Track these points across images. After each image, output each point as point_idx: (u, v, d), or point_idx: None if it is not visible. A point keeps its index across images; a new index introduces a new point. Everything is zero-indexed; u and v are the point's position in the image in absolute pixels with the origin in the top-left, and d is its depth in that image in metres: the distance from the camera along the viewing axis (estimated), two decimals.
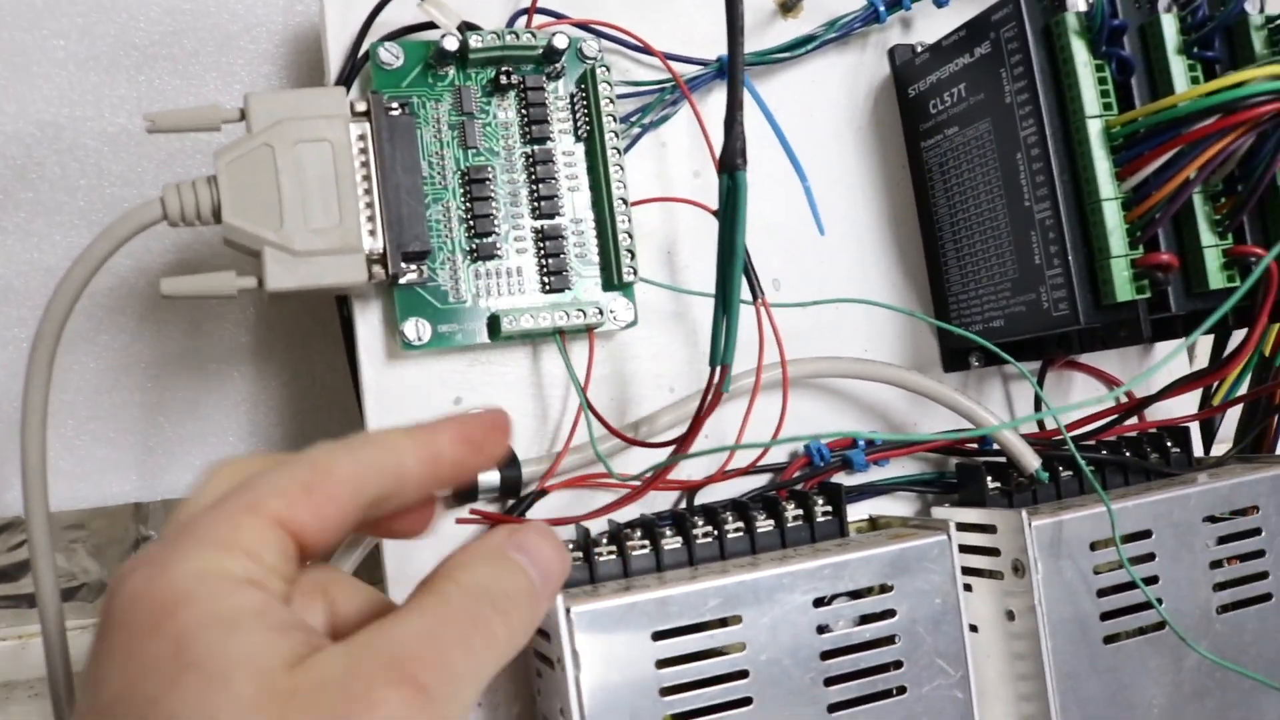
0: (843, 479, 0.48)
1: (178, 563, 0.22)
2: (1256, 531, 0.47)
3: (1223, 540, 0.47)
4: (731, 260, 0.37)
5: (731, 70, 0.37)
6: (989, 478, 0.47)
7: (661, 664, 0.38)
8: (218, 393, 0.52)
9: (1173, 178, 0.42)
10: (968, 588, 0.46)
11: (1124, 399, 0.52)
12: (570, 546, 0.41)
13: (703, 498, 0.46)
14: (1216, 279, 0.44)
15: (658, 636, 0.38)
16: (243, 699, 0.21)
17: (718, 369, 0.38)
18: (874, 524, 0.48)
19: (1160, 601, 0.45)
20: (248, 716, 0.21)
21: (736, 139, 0.37)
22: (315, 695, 0.21)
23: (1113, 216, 0.42)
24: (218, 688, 0.21)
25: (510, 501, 0.43)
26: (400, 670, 0.22)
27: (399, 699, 0.22)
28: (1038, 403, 0.52)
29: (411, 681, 0.22)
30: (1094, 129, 0.43)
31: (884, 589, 0.41)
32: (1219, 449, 0.56)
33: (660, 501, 0.46)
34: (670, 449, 0.42)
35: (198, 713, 0.20)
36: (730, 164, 0.37)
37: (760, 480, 0.47)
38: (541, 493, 0.43)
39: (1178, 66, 0.43)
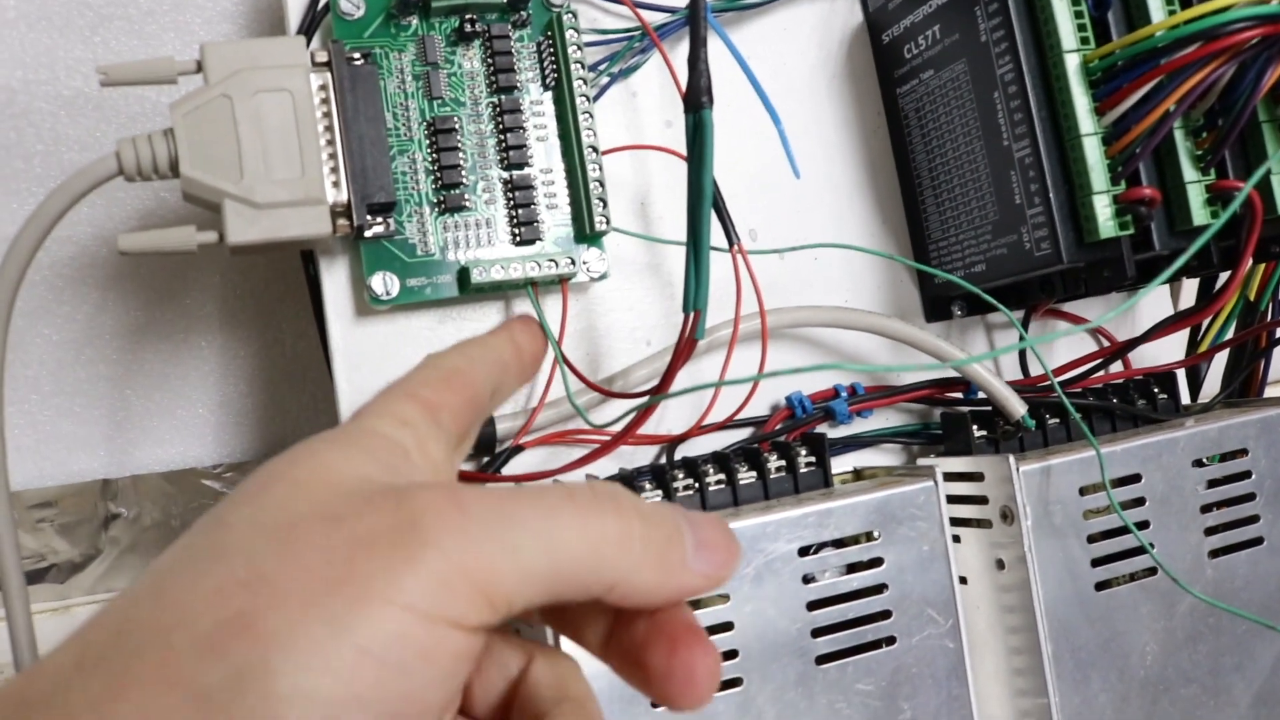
0: (826, 430, 0.47)
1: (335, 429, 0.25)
2: (1246, 475, 0.47)
3: (1213, 484, 0.46)
4: (700, 201, 0.36)
5: (693, 6, 0.36)
6: (975, 426, 0.46)
7: None
8: (186, 364, 0.51)
9: (1153, 110, 0.41)
10: (956, 539, 0.45)
11: (1104, 341, 0.51)
12: None
13: (683, 453, 0.45)
14: (1200, 215, 0.43)
15: None
16: (307, 479, 0.23)
17: (690, 315, 0.37)
18: (859, 476, 0.47)
19: (1152, 546, 0.44)
20: (301, 492, 0.22)
21: (700, 76, 0.36)
22: (368, 492, 0.22)
23: (1093, 152, 0.42)
24: (296, 471, 0.23)
25: (485, 459, 0.42)
26: (451, 490, 0.22)
27: (429, 500, 0.21)
28: (1023, 357, 0.51)
29: (453, 500, 0.22)
30: (1071, 64, 0.42)
31: (870, 537, 0.41)
32: (1207, 398, 0.55)
33: (641, 457, 0.45)
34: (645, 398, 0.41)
35: (278, 493, 0.22)
36: (695, 102, 0.36)
37: (742, 434, 0.46)
38: (517, 449, 0.42)
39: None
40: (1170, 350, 0.55)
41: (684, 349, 0.38)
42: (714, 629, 0.38)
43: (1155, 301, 0.55)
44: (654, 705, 0.37)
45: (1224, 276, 0.50)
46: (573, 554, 0.22)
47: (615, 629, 0.25)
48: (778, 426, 0.45)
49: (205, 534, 0.22)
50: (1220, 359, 0.56)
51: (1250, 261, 0.45)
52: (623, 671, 0.25)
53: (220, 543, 0.21)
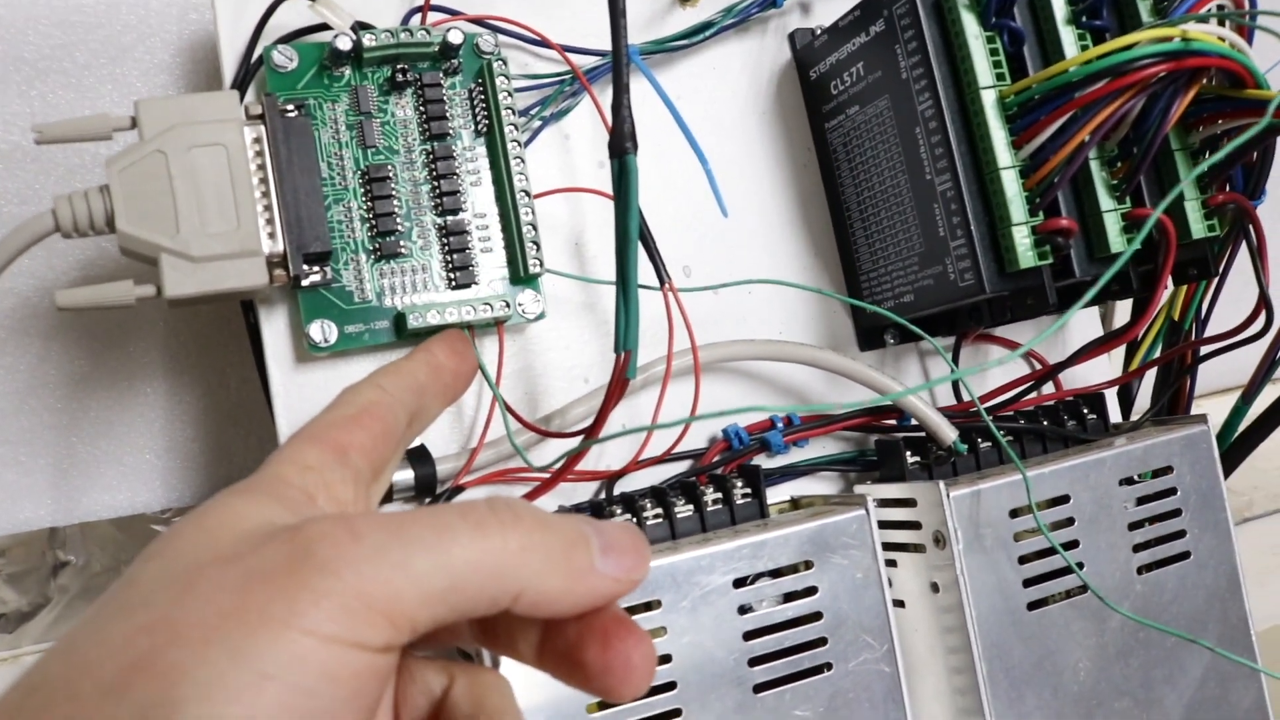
0: (763, 461, 0.48)
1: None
2: (1172, 491, 0.48)
3: (1141, 501, 0.47)
4: (626, 244, 0.37)
5: (615, 54, 0.37)
6: (908, 453, 0.47)
7: None
8: (131, 410, 0.51)
9: (1068, 142, 0.42)
10: (892, 563, 0.46)
11: (1037, 364, 0.52)
12: None
13: (623, 488, 0.45)
14: (1118, 243, 0.44)
15: None
16: (213, 528, 0.24)
17: (621, 356, 0.38)
18: (796, 505, 0.48)
19: (1081, 565, 0.45)
20: (206, 541, 0.23)
21: (623, 122, 0.37)
22: (266, 535, 0.23)
23: (1011, 185, 0.43)
24: (203, 522, 0.24)
25: (427, 500, 0.42)
26: (345, 518, 0.23)
27: (323, 529, 0.22)
28: (956, 386, 0.52)
29: (345, 526, 0.22)
30: (988, 99, 0.43)
31: (806, 566, 0.42)
32: (1139, 415, 0.56)
33: (581, 494, 0.45)
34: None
35: (184, 544, 0.23)
36: (619, 148, 0.37)
37: (679, 468, 0.47)
38: (458, 489, 0.43)
39: (1068, 36, 0.44)
40: (1102, 372, 0.56)
41: (616, 389, 0.39)
42: None
43: (1086, 324, 0.57)
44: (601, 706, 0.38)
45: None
46: (471, 568, 0.23)
47: (547, 637, 0.26)
48: (715, 459, 0.46)
49: (115, 593, 0.23)
50: (1151, 378, 0.57)
51: (1169, 284, 0.47)
52: (561, 675, 0.26)
53: (127, 598, 0.22)
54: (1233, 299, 0.50)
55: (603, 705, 0.38)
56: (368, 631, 0.21)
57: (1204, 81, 0.43)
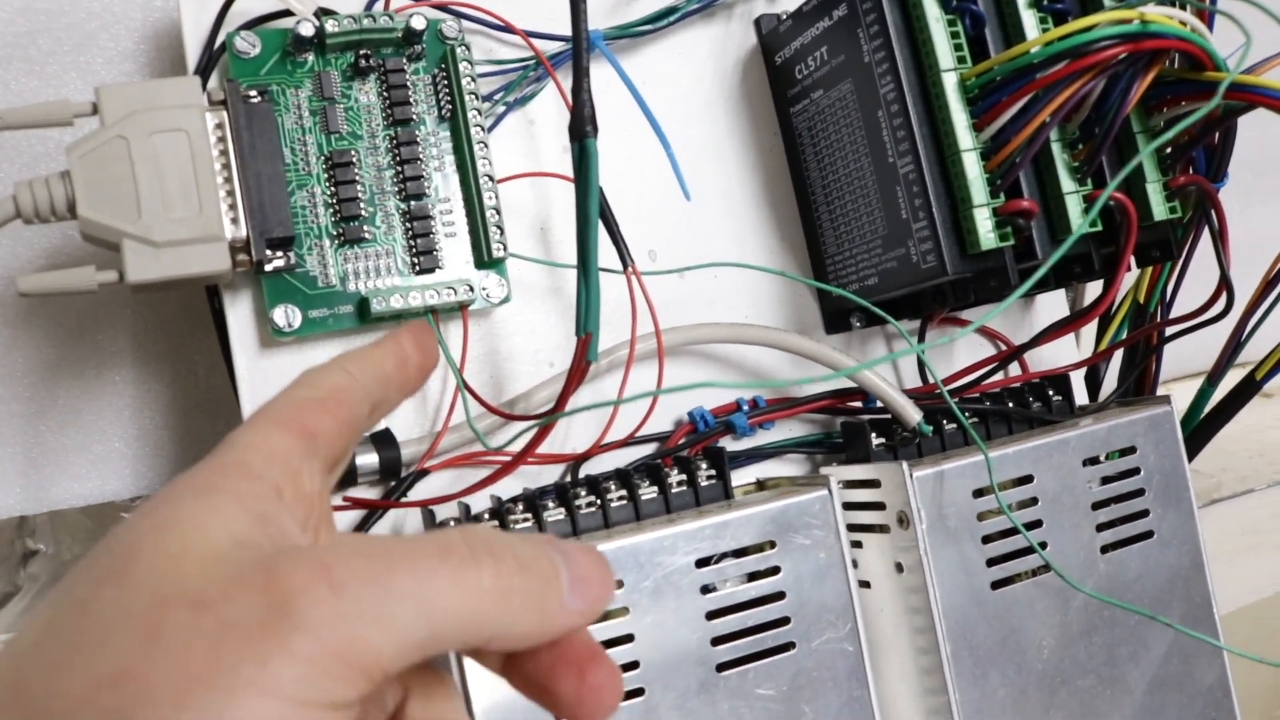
0: (729, 444, 0.48)
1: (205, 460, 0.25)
2: (1136, 471, 0.48)
3: (1105, 481, 0.48)
4: (587, 227, 0.37)
5: (575, 38, 0.37)
6: (873, 435, 0.47)
7: None
8: (100, 399, 0.51)
9: (1029, 123, 0.42)
10: (858, 544, 0.47)
11: (1002, 347, 0.53)
12: (451, 524, 0.41)
13: (588, 471, 0.46)
14: (1084, 227, 0.44)
15: None
16: (176, 552, 0.22)
17: (582, 338, 0.38)
18: (762, 487, 0.48)
19: (1045, 545, 0.45)
20: (169, 569, 0.21)
21: (584, 106, 0.37)
22: (238, 566, 0.21)
23: (972, 167, 0.43)
24: (164, 540, 0.22)
25: (391, 483, 0.43)
26: (322, 563, 0.21)
27: (300, 580, 0.21)
28: (921, 366, 0.53)
29: (324, 575, 0.21)
30: (949, 82, 0.43)
31: (769, 546, 0.42)
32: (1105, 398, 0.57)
33: (548, 476, 0.45)
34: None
35: (145, 554, 0.22)
36: (580, 131, 0.37)
37: (647, 450, 0.47)
38: (422, 473, 0.43)
39: (1029, 19, 0.44)
40: (1070, 355, 0.56)
41: (577, 371, 0.39)
42: (614, 641, 0.39)
43: (1053, 308, 0.57)
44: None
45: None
46: (450, 617, 0.22)
47: (515, 658, 0.26)
48: (681, 441, 0.47)
49: (69, 617, 0.21)
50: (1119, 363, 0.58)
51: (1131, 266, 0.47)
52: (530, 695, 0.26)
53: (85, 632, 0.21)
54: (1197, 282, 0.50)
55: None
56: (342, 689, 0.21)
57: (1164, 64, 0.43)
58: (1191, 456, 0.55)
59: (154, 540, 0.22)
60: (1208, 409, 0.55)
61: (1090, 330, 0.59)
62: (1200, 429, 0.56)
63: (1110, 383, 0.58)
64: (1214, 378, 0.54)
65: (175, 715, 0.19)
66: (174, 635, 0.20)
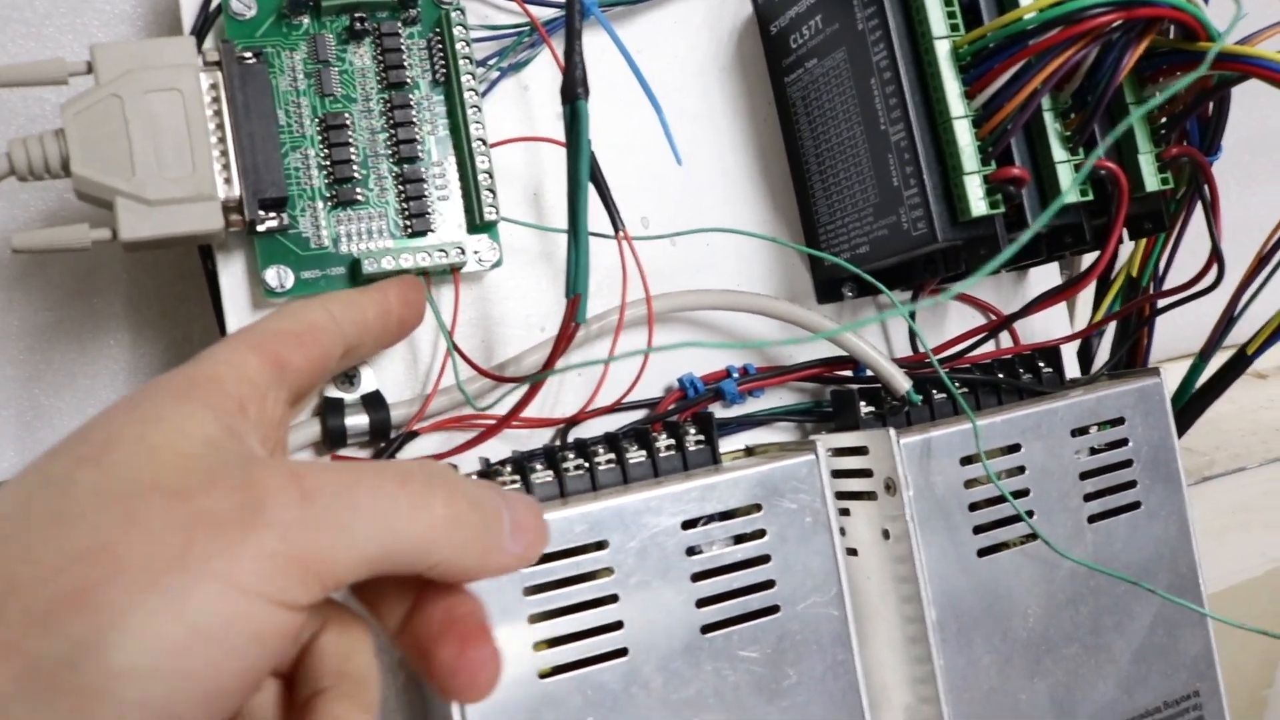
0: (719, 411, 0.48)
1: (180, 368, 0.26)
2: (1124, 442, 0.48)
3: (1093, 452, 0.48)
4: (577, 189, 0.37)
5: (568, 1, 0.37)
6: (862, 403, 0.48)
7: (530, 590, 0.38)
8: (95, 363, 0.51)
9: (1020, 90, 0.42)
10: (846, 513, 0.47)
11: (993, 317, 0.53)
12: None
13: (578, 435, 0.46)
14: (1070, 194, 0.44)
15: None
16: (157, 444, 0.23)
17: (571, 300, 0.38)
18: (750, 453, 0.49)
19: (1031, 514, 0.46)
20: (149, 459, 0.22)
21: (575, 68, 0.37)
22: (215, 464, 0.23)
23: (964, 134, 0.43)
24: (145, 431, 0.23)
25: (380, 445, 0.43)
26: (294, 472, 0.23)
27: (275, 484, 0.22)
28: (912, 335, 0.53)
29: (295, 483, 0.22)
30: (942, 50, 0.43)
31: (756, 509, 0.42)
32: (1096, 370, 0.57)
33: (538, 439, 0.46)
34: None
35: (126, 443, 0.23)
36: (571, 93, 0.37)
37: (637, 415, 0.47)
38: (411, 434, 0.43)
39: None
40: (1062, 327, 0.57)
41: (566, 333, 0.39)
42: (598, 601, 0.39)
43: (1048, 279, 0.57)
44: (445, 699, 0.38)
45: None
46: (404, 537, 0.23)
47: (412, 615, 0.26)
48: (670, 407, 0.47)
49: (47, 494, 0.22)
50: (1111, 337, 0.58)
51: (1123, 237, 0.47)
52: (411, 658, 0.26)
53: (62, 509, 0.21)
54: (1193, 258, 0.50)
55: (556, 670, 0.38)
56: (299, 591, 0.22)
57: (1157, 34, 0.43)
58: (1182, 431, 0.55)
59: (135, 431, 0.23)
60: (1199, 383, 0.55)
61: (1085, 310, 0.59)
62: (1191, 404, 0.56)
63: (1103, 357, 0.58)
64: (1206, 353, 0.55)
65: (143, 593, 0.20)
66: (151, 519, 0.21)
